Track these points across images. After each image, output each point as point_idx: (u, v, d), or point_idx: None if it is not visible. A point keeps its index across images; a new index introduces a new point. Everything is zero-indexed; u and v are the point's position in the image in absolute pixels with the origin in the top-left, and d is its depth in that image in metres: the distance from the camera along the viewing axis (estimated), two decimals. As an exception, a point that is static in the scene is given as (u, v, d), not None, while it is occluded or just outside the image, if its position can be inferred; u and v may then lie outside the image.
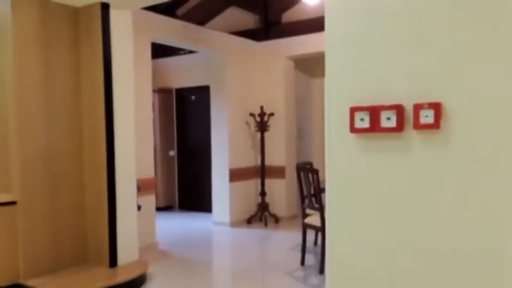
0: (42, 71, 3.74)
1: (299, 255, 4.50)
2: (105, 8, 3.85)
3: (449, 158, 1.91)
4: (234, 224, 6.25)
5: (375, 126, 2.07)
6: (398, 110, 2.00)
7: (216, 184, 6.36)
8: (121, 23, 3.99)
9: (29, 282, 3.56)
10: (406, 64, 2.01)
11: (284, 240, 5.49)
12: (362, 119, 2.10)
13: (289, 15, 6.56)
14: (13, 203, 3.58)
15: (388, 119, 2.03)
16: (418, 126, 1.96)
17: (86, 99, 4.00)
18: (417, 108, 1.96)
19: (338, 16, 2.20)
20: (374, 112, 2.06)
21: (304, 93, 7.19)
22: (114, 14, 3.91)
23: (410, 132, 2.00)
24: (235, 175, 6.29)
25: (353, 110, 2.12)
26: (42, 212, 3.74)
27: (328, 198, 2.29)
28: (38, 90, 3.71)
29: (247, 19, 6.80)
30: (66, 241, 3.92)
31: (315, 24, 5.94)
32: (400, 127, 2.00)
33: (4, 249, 3.55)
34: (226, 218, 6.26)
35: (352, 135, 2.15)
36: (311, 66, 7.07)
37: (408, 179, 2.01)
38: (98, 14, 3.83)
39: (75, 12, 3.95)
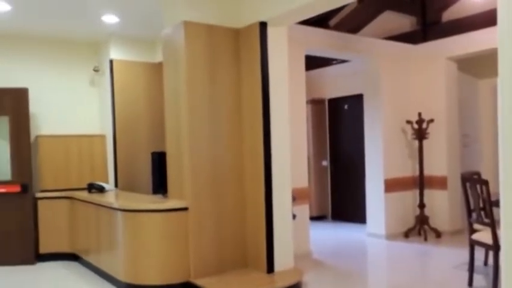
0: (208, 89, 4.12)
1: (465, 274, 4.09)
2: (263, 26, 4.08)
3: None
4: (389, 236, 5.98)
5: None
6: None
7: (370, 194, 6.18)
8: (277, 39, 4.18)
9: (198, 282, 3.92)
10: None
11: (447, 257, 5.04)
12: (547, 125, 1.82)
13: (451, 13, 6.08)
14: (185, 208, 4.00)
15: None
16: None
17: (246, 113, 4.28)
18: None
19: (513, 9, 1.96)
20: None
21: (469, 96, 6.57)
22: (271, 31, 4.13)
23: None
24: (391, 185, 6.02)
25: (535, 115, 1.86)
26: (208, 218, 4.10)
27: (503, 213, 2.03)
28: (205, 107, 4.10)
29: (403, 22, 6.51)
30: (229, 246, 4.22)
31: (483, 19, 5.42)
32: None
33: (178, 250, 3.98)
34: (381, 230, 6.02)
35: (534, 143, 1.88)
36: (477, 66, 6.43)
37: None
38: (256, 32, 4.08)
39: (236, 33, 4.28)
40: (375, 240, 6.00)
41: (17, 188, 5.19)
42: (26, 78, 5.49)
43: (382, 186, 5.98)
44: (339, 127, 7.56)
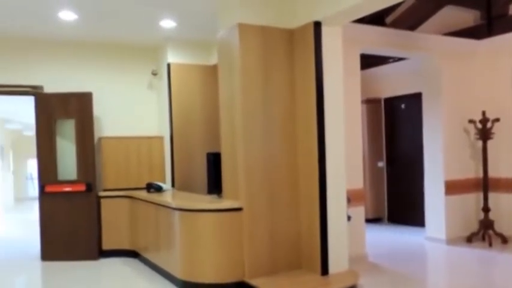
0: (262, 90, 4.13)
1: (536, 285, 3.84)
2: (317, 26, 4.04)
3: None
4: (450, 241, 5.72)
5: None
6: None
7: (429, 197, 5.95)
8: (332, 38, 4.13)
9: (253, 282, 3.94)
10: None
11: (515, 265, 4.76)
12: None
13: (518, 6, 5.73)
14: (240, 209, 4.04)
15: None
16: None
17: (300, 113, 4.26)
18: None
19: None
20: None
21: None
22: (325, 31, 4.08)
23: None
24: (452, 187, 5.76)
25: None
26: (262, 218, 4.11)
27: None
28: (259, 108, 4.11)
29: (465, 17, 6.20)
30: (283, 247, 4.21)
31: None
32: None
33: (233, 250, 4.03)
34: (441, 234, 5.78)
35: None
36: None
37: None
38: (310, 32, 4.04)
39: (290, 34, 4.26)
40: (434, 244, 5.77)
41: (82, 187, 5.49)
42: (90, 83, 5.78)
43: (442, 188, 5.74)
44: (396, 127, 7.34)
